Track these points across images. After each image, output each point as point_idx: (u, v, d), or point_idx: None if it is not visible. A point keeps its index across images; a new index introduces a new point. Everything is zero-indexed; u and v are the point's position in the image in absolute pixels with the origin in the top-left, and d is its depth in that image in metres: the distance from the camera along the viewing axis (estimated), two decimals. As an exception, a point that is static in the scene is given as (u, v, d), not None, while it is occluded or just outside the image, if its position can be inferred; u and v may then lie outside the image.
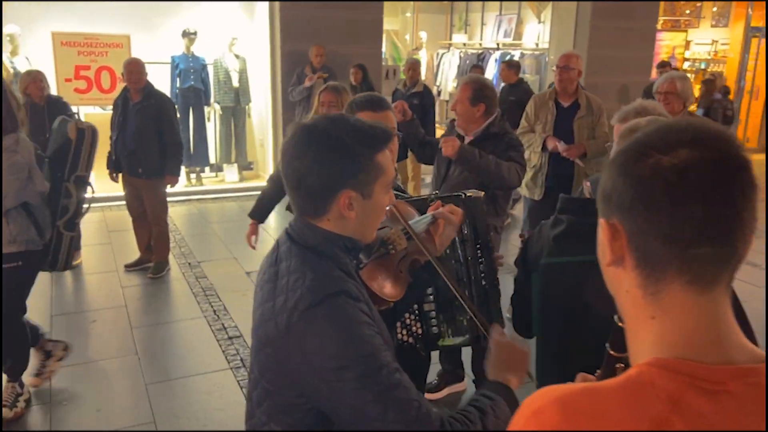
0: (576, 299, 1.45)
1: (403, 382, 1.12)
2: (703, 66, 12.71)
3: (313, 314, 1.11)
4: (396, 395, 1.10)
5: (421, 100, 6.92)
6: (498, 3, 12.35)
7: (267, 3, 7.71)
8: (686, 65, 12.51)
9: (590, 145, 4.26)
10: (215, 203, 7.68)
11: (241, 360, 3.87)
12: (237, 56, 8.15)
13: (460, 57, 12.69)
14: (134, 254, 5.47)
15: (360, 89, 6.83)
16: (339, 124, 1.21)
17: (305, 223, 1.25)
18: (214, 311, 4.58)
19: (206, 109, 8.15)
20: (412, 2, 13.21)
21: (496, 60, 11.21)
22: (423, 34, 12.55)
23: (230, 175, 8.42)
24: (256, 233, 3.67)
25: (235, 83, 8.18)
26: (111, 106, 4.96)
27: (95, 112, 7.21)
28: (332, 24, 7.79)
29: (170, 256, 5.43)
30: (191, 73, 7.80)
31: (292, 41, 7.67)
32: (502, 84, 7.71)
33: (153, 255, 5.29)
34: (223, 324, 4.36)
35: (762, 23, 11.29)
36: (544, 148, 4.33)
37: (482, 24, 12.95)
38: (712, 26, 13.06)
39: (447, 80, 12.46)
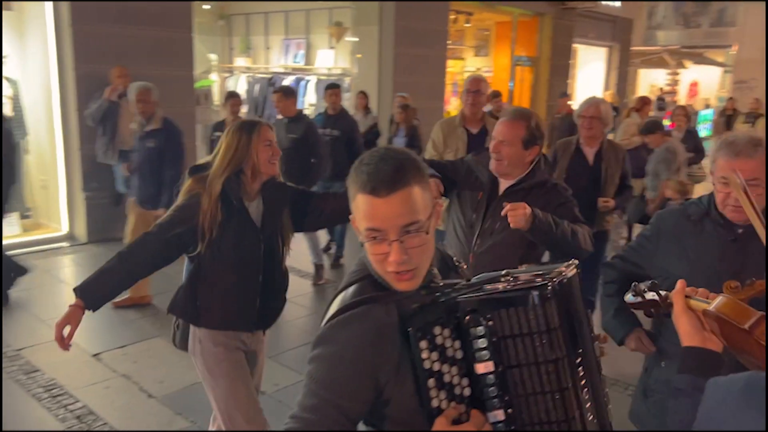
0: None
1: None
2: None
3: None
4: None
5: (159, 141, 4.72)
6: (283, 26, 12.02)
7: (50, 18, 6.33)
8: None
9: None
10: (-7, 265, 6.01)
11: (154, 481, 2.91)
12: (8, 79, 6.55)
13: (248, 81, 12.09)
14: None
15: None
16: None
17: None
18: (77, 417, 3.43)
19: (-30, 146, 6.39)
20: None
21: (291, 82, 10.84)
22: (213, 56, 11.67)
23: (9, 226, 6.70)
24: (76, 323, 2.21)
25: (7, 113, 6.56)
26: None
27: None
28: (135, 43, 6.71)
29: (-26, 348, 4.01)
30: (-53, 100, 6.04)
31: (89, 62, 6.41)
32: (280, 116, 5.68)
33: (-47, 351, 3.85)
34: (100, 434, 3.28)
35: (524, 53, 12.69)
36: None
37: (266, 47, 12.49)
38: (475, 56, 14.43)
39: (236, 106, 11.73)
